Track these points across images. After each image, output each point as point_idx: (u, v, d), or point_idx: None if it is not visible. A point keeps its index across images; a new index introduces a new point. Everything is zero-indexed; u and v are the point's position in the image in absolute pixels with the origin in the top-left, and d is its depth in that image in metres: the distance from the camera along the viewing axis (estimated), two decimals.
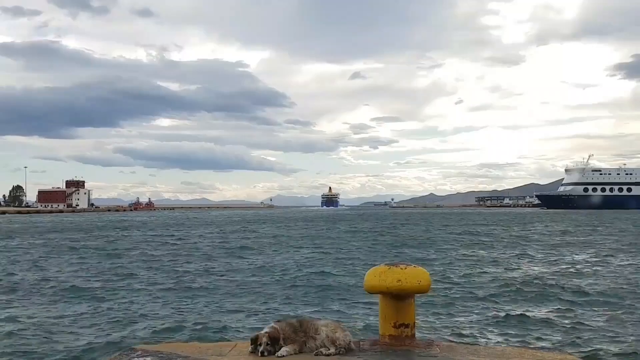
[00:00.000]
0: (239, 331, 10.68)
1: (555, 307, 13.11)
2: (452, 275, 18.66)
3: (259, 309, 12.94)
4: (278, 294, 15.08)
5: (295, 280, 17.76)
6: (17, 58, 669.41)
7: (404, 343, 4.65)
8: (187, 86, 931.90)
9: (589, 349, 9.38)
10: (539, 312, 12.60)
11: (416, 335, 4.87)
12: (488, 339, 10.08)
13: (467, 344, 8.76)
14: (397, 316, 4.79)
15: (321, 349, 4.33)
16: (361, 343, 4.58)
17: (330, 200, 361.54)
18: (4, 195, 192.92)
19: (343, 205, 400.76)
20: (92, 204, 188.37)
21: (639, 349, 9.34)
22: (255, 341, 4.35)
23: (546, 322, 11.50)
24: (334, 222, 72.14)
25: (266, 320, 10.22)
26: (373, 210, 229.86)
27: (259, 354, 4.28)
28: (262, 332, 4.43)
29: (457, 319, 11.76)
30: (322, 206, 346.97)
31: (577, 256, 25.52)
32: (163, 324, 11.37)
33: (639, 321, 11.53)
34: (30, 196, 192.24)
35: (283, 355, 4.25)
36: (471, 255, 26.02)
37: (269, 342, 4.31)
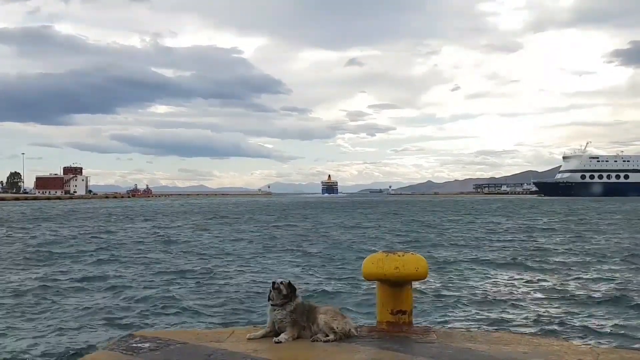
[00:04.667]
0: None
1: (551, 295, 13.17)
2: (449, 262, 18.72)
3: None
4: None
5: None
6: (10, 44, 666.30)
7: (401, 330, 4.68)
8: (182, 72, 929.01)
9: (586, 335, 9.45)
10: (536, 300, 12.66)
11: (413, 322, 4.90)
12: (485, 325, 10.13)
13: (464, 330, 8.81)
14: (395, 303, 4.82)
15: (318, 335, 4.37)
16: (358, 330, 4.61)
17: (330, 187, 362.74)
18: (1, 182, 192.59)
19: (342, 192, 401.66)
20: (90, 191, 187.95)
21: (631, 335, 9.42)
22: (274, 284, 4.55)
23: (542, 310, 11.56)
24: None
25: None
26: (375, 197, 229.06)
27: (273, 288, 4.51)
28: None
29: (454, 306, 11.80)
30: (322, 194, 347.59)
31: (576, 247, 25.60)
32: (161, 311, 11.41)
33: (634, 310, 11.60)
34: (28, 183, 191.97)
35: (281, 341, 4.29)
36: (467, 243, 26.10)
37: (284, 282, 4.54)
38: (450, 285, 14.24)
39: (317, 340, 4.32)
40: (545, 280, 15.04)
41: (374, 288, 5.17)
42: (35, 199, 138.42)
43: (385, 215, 55.46)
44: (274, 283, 4.54)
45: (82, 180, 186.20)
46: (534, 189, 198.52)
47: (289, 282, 4.57)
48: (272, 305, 4.53)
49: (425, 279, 5.05)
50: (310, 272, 16.87)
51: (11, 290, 13.69)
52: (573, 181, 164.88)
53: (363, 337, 4.47)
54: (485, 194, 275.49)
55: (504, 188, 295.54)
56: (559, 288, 13.93)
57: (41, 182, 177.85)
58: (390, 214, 59.68)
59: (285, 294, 4.48)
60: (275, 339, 4.32)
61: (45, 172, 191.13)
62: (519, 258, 19.86)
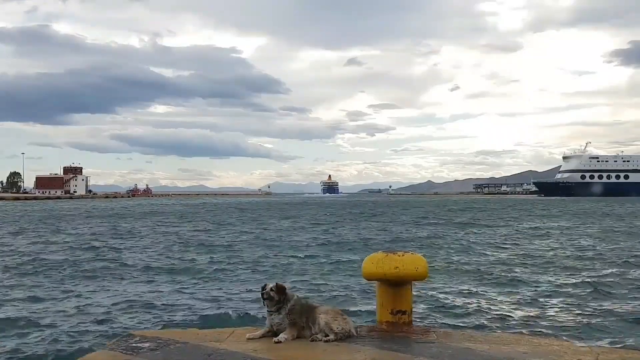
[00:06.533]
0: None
1: (551, 296, 13.17)
2: (449, 262, 18.72)
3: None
4: None
5: None
6: (8, 43, 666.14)
7: (401, 330, 4.68)
8: (181, 72, 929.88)
9: (585, 335, 9.44)
10: (536, 300, 12.65)
11: (413, 322, 4.91)
12: (484, 325, 10.13)
13: (464, 330, 8.81)
14: (395, 303, 4.82)
15: (318, 335, 4.37)
16: (358, 330, 4.60)
17: (330, 187, 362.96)
18: (1, 181, 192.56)
19: (342, 192, 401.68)
20: (90, 191, 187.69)
21: (631, 335, 9.42)
22: (263, 288, 4.55)
23: (542, 310, 11.56)
24: None
25: None
26: (377, 197, 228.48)
27: (263, 298, 4.50)
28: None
29: (453, 306, 11.80)
30: (323, 193, 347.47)
31: (577, 243, 25.60)
32: (162, 311, 11.42)
33: (634, 309, 11.60)
34: (28, 182, 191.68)
35: (280, 341, 4.30)
36: (467, 242, 26.09)
37: (273, 289, 4.49)
38: (450, 285, 14.23)
39: (316, 340, 4.32)
40: (545, 281, 15.04)
41: (374, 287, 5.17)
42: (35, 198, 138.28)
43: None
44: (263, 288, 4.51)
45: (82, 180, 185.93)
46: (534, 189, 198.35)
47: (279, 286, 4.51)
48: (267, 311, 4.54)
49: (425, 279, 5.05)
50: (312, 272, 16.88)
51: (11, 289, 13.73)
52: (573, 181, 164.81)
53: (363, 337, 4.46)
54: (485, 194, 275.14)
55: (504, 188, 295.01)
56: (559, 288, 13.94)
57: (41, 182, 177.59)
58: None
59: (277, 299, 4.46)
60: (275, 338, 4.33)
61: (45, 172, 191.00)
62: (519, 259, 19.88)
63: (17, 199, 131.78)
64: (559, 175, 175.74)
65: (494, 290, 13.64)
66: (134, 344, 4.25)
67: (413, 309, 4.98)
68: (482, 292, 13.37)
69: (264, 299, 4.48)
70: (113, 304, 12.01)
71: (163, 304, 12.07)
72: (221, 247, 24.32)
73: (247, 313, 11.12)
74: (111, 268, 17.67)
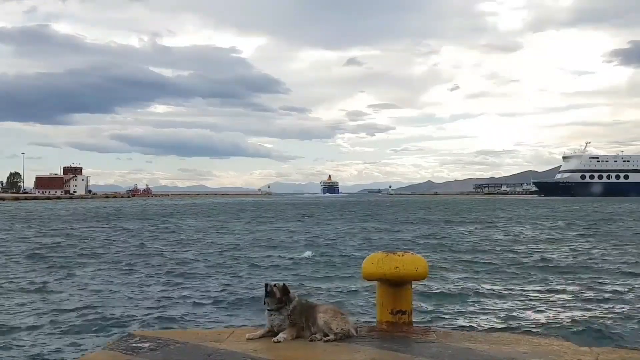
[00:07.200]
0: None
1: (551, 296, 13.16)
2: (449, 262, 18.71)
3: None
4: None
5: None
6: (8, 43, 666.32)
7: (401, 330, 4.67)
8: (181, 72, 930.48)
9: (586, 335, 9.44)
10: (536, 300, 12.65)
11: (413, 322, 4.90)
12: (484, 325, 10.13)
13: (464, 330, 8.81)
14: (395, 303, 4.81)
15: (316, 335, 4.35)
16: (358, 330, 4.59)
17: (331, 187, 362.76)
18: (1, 181, 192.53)
19: (343, 192, 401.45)
20: (90, 191, 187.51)
21: (631, 335, 9.42)
22: (267, 286, 4.51)
23: (542, 310, 11.55)
24: None
25: None
26: (377, 197, 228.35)
27: (266, 294, 4.45)
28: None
29: (453, 306, 11.80)
30: (323, 193, 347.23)
31: (577, 244, 25.59)
32: (161, 311, 11.41)
33: (634, 310, 11.59)
34: (28, 182, 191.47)
35: (280, 341, 4.29)
36: (467, 242, 26.08)
37: (277, 286, 4.46)
38: (450, 285, 14.23)
39: (314, 340, 4.31)
40: (544, 281, 15.04)
41: (374, 287, 5.16)
42: (35, 198, 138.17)
43: None
44: (266, 286, 4.47)
45: (82, 180, 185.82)
46: (534, 189, 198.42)
47: (283, 285, 4.49)
48: (268, 310, 4.50)
49: (425, 279, 5.04)
50: (312, 271, 16.88)
51: (13, 289, 13.73)
52: (573, 181, 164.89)
53: (363, 337, 4.45)
54: (485, 194, 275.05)
55: (503, 188, 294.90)
56: (559, 288, 13.93)
57: (41, 182, 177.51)
58: None
59: (279, 297, 4.42)
60: (274, 338, 4.32)
61: (45, 172, 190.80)
62: (519, 259, 19.88)
63: (17, 199, 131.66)
64: (559, 175, 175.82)
65: (495, 291, 13.63)
66: (134, 344, 4.24)
67: (413, 309, 4.97)
68: (482, 292, 13.36)
69: (266, 294, 4.45)
70: (113, 304, 12.01)
71: (163, 304, 12.07)
72: (222, 247, 24.35)
73: (246, 313, 11.13)
74: (110, 268, 17.68)
